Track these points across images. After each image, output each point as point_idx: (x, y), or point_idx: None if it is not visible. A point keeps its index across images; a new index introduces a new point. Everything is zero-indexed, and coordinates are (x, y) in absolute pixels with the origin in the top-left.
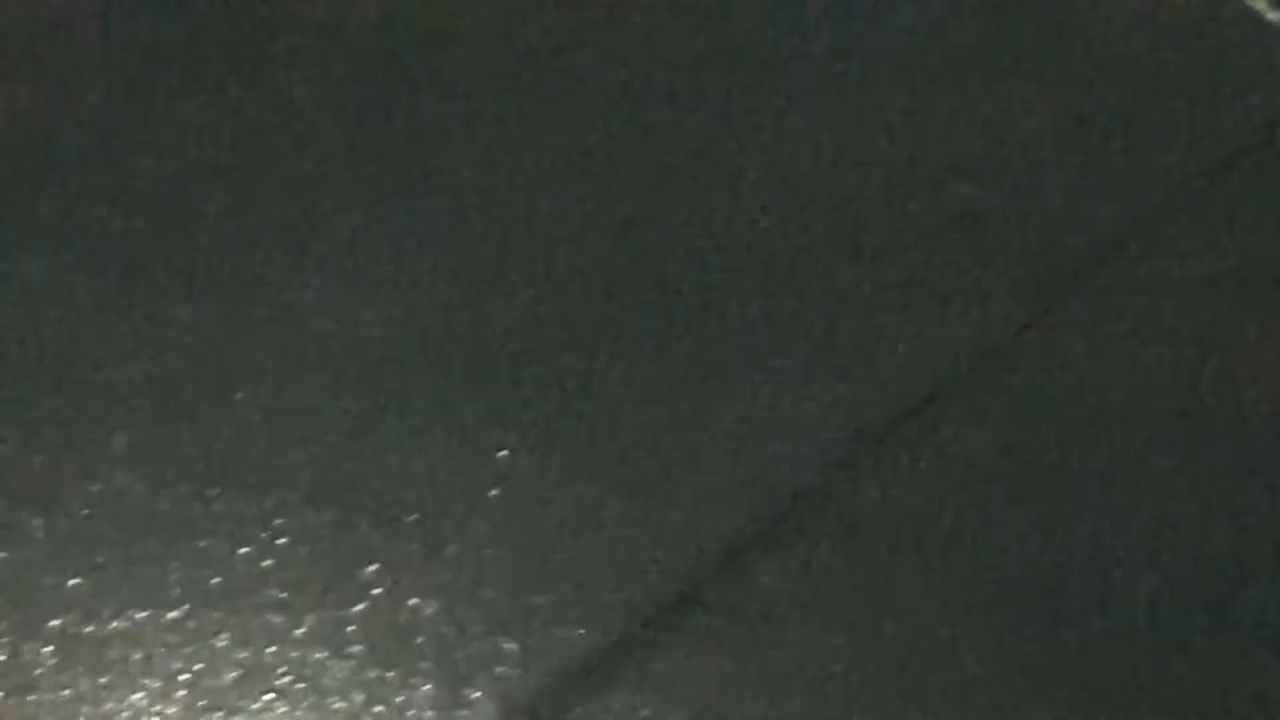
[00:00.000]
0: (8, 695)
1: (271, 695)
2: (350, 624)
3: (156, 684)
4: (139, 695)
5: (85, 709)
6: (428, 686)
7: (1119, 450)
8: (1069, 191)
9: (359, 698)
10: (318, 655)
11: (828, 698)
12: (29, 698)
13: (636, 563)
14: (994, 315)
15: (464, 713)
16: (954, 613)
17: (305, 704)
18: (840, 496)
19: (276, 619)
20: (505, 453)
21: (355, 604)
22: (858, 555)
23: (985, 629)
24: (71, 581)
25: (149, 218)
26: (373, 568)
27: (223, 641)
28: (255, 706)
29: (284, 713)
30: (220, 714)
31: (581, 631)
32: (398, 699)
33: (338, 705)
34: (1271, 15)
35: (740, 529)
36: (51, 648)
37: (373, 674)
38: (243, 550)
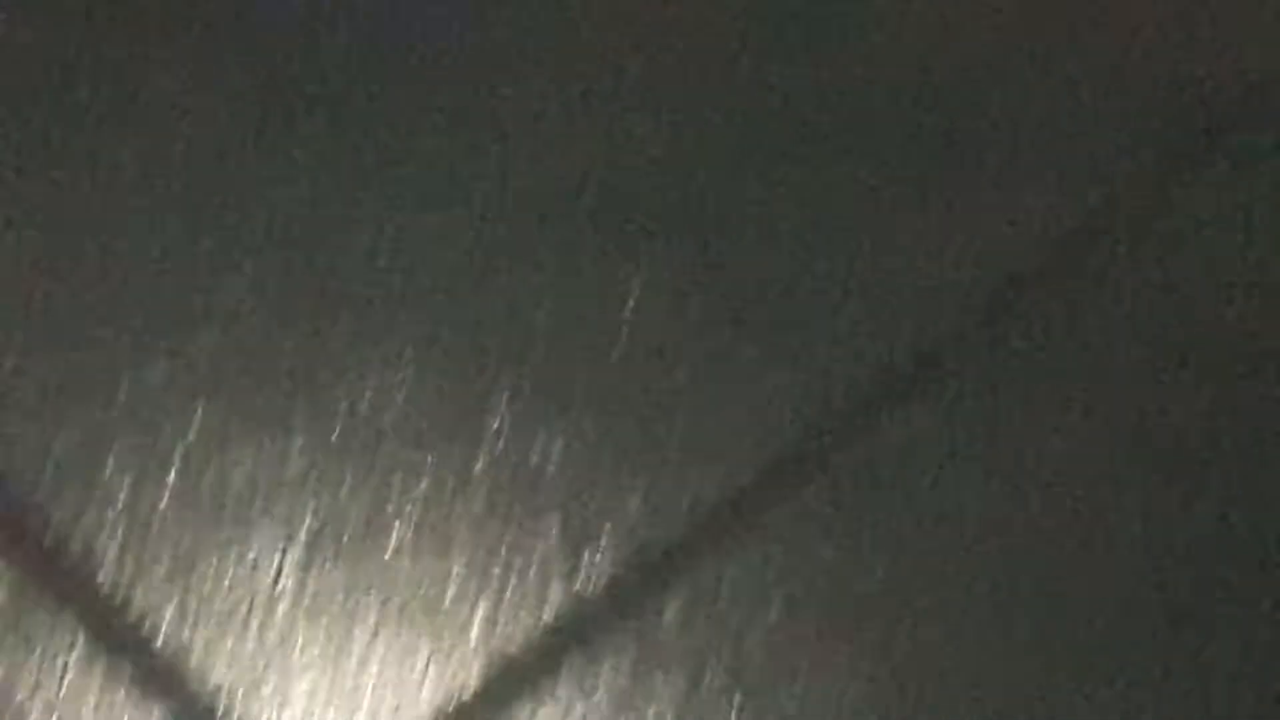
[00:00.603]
0: (125, 541)
1: (394, 546)
2: (473, 474)
3: (276, 536)
4: (257, 548)
5: (202, 560)
6: (553, 536)
7: None
8: None
9: (482, 548)
10: (440, 507)
11: (957, 554)
12: (146, 545)
13: (766, 414)
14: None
15: (589, 564)
16: (1104, 478)
17: (428, 554)
18: (979, 348)
19: (398, 470)
20: (634, 300)
21: (479, 454)
22: (995, 410)
23: (1139, 493)
24: (191, 431)
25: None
26: (497, 418)
27: (343, 493)
28: (377, 555)
29: (407, 564)
30: (343, 564)
31: (709, 484)
32: (522, 549)
33: (460, 556)
34: None
35: (874, 380)
36: (169, 496)
37: (496, 524)
38: (364, 400)
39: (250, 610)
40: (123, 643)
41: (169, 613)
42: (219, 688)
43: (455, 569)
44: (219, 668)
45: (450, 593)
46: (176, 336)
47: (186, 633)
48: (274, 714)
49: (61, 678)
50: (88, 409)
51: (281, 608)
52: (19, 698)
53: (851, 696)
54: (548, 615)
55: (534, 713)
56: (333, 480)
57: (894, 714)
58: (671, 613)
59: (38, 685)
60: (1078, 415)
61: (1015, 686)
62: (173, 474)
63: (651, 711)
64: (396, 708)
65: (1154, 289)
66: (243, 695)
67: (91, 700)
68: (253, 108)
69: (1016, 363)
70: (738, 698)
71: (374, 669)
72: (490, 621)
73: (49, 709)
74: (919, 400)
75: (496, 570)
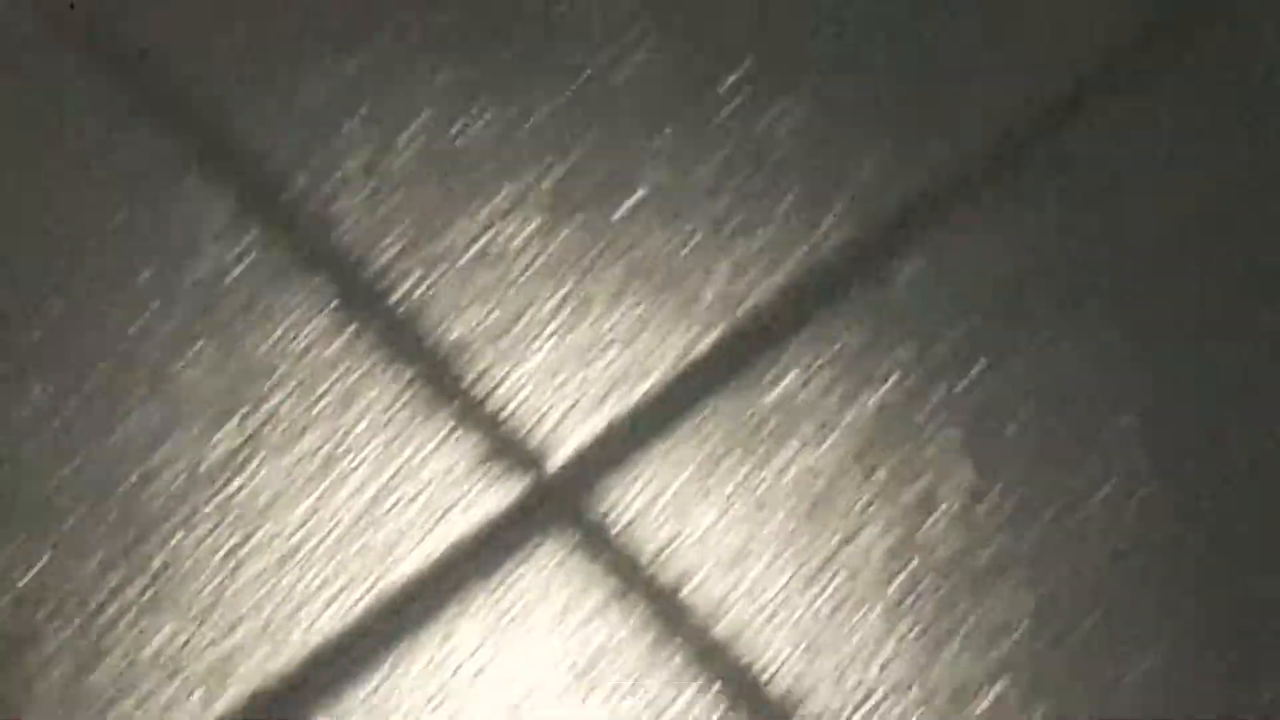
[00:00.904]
0: (367, 201)
1: (631, 207)
2: (710, 138)
3: (516, 195)
4: (497, 207)
5: (442, 220)
6: (789, 200)
7: None
8: None
9: (719, 211)
10: (678, 169)
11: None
12: (388, 205)
13: (998, 87)
14: None
15: (825, 227)
16: None
17: (666, 217)
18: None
19: (636, 132)
20: None
21: (715, 117)
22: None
23: None
24: (437, 77)
25: None
26: (732, 76)
27: (581, 154)
28: (614, 217)
29: (644, 227)
30: (582, 225)
31: (943, 151)
32: (759, 212)
33: (697, 218)
34: None
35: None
36: (410, 156)
37: (730, 186)
38: (598, 60)
39: (489, 269)
40: (364, 301)
41: (410, 271)
42: (459, 344)
43: (692, 231)
44: (458, 325)
45: (687, 255)
46: (415, 2)
47: (427, 290)
48: (511, 368)
49: (306, 340)
50: (328, 69)
51: (520, 266)
52: (263, 358)
53: (1079, 359)
54: (783, 278)
55: (772, 372)
56: (571, 141)
57: (1129, 370)
58: (907, 277)
59: (281, 346)
60: None
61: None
62: (414, 134)
63: (884, 374)
64: (633, 365)
65: None
66: (481, 350)
67: (333, 358)
68: None
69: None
70: (971, 364)
71: (611, 328)
72: (727, 283)
73: (292, 369)
74: (1151, 80)
75: (733, 233)
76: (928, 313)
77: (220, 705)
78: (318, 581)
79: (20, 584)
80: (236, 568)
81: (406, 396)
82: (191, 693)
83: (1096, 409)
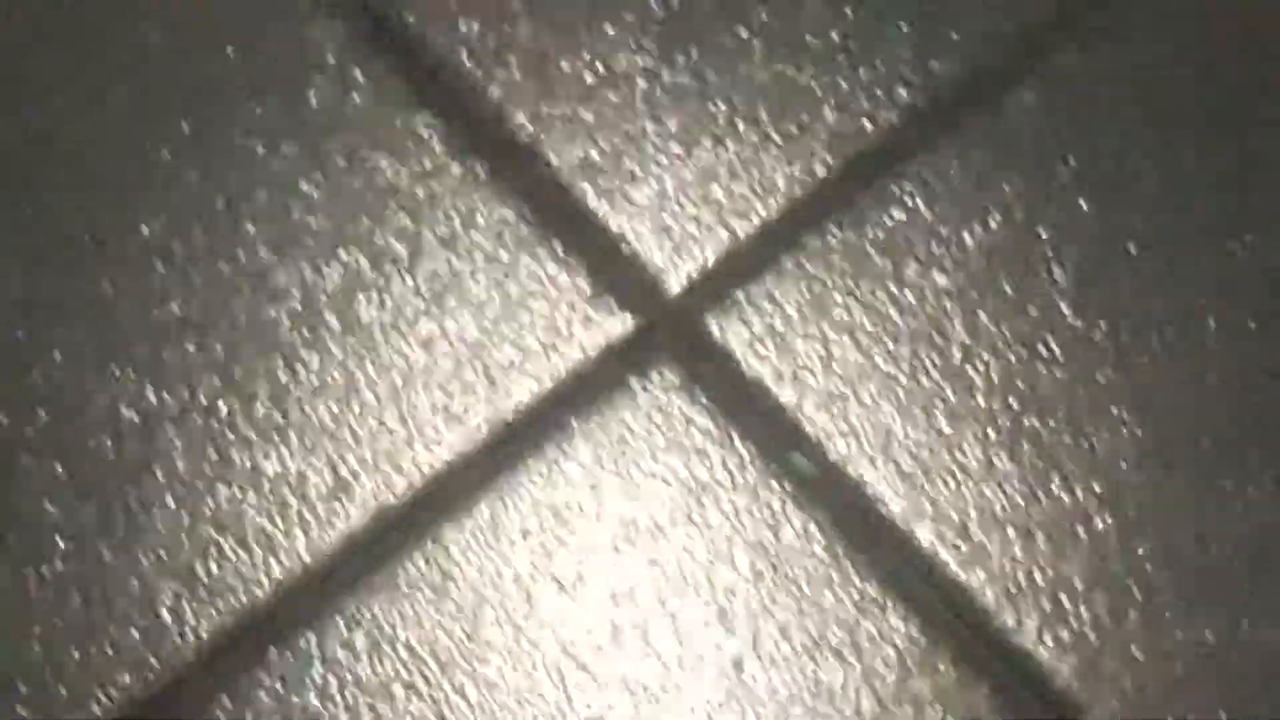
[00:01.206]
0: (483, 31)
1: (744, 34)
2: None
3: (628, 19)
4: (603, 37)
5: (556, 48)
6: (899, 31)
7: None
8: None
9: (829, 40)
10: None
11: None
12: (503, 35)
13: None
14: None
15: (935, 57)
16: None
17: (778, 44)
18: None
19: None
20: None
21: None
22: None
23: None
24: None
25: None
26: None
27: None
28: (727, 47)
29: (756, 52)
30: (693, 62)
31: None
32: (868, 42)
33: (807, 50)
34: None
35: None
36: None
37: (843, 17)
38: None
39: (602, 100)
40: (478, 131)
41: (523, 102)
42: (570, 175)
43: (805, 63)
44: (571, 156)
45: (800, 86)
46: None
47: (540, 122)
48: (623, 201)
49: (421, 170)
50: None
51: (633, 97)
52: (380, 187)
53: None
54: (895, 111)
55: (882, 205)
56: None
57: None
58: (1026, 104)
59: (397, 176)
60: None
61: None
62: None
63: (994, 208)
64: (744, 198)
65: None
66: (593, 182)
67: (449, 188)
68: None
69: None
70: (1087, 197)
71: (723, 159)
72: (839, 116)
73: (408, 199)
74: None
75: (846, 65)
76: (1040, 144)
77: (333, 532)
78: (431, 410)
79: (136, 410)
80: (352, 395)
81: (519, 228)
82: (304, 519)
83: (1209, 236)
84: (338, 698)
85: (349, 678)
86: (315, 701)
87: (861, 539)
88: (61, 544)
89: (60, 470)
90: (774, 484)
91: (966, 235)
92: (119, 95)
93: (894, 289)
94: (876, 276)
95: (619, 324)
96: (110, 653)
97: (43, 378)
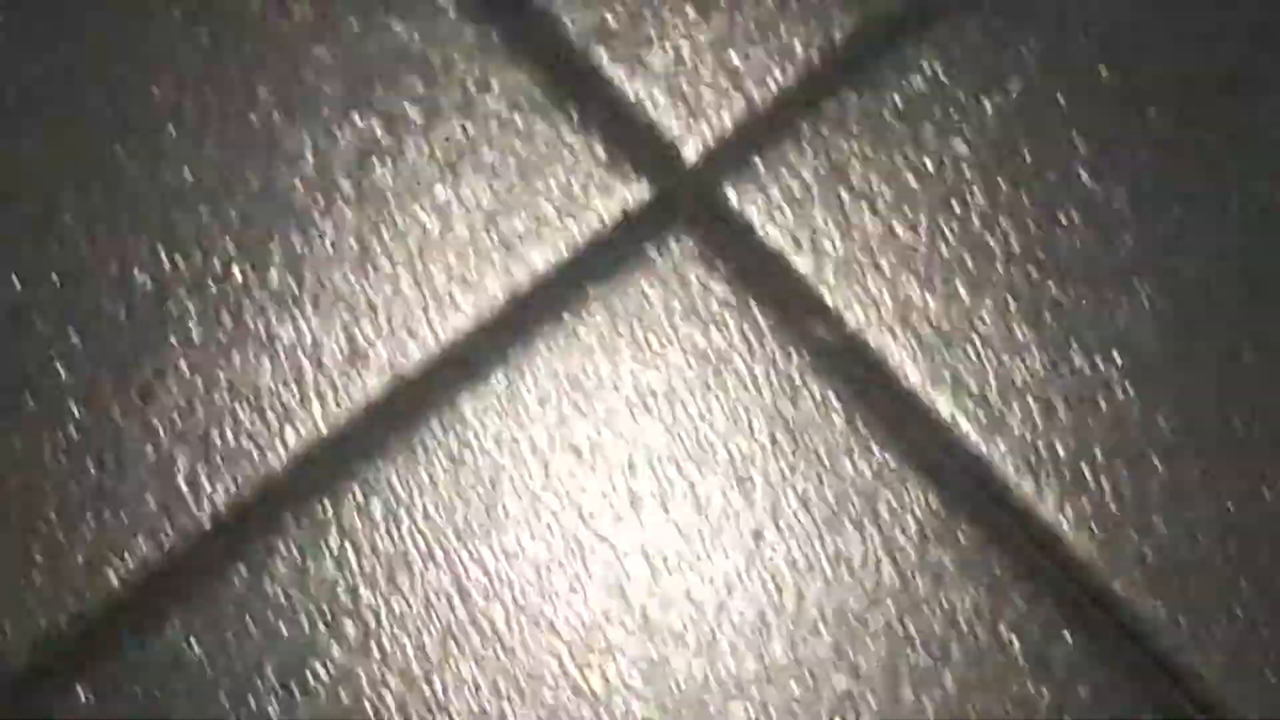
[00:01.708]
0: None
1: None
2: None
3: None
4: None
5: None
6: None
7: None
8: None
9: None
10: None
11: None
12: None
13: None
14: None
15: None
16: None
17: None
18: None
19: None
20: None
21: None
22: None
23: None
24: None
25: None
26: None
27: None
28: None
29: None
30: None
31: None
32: None
33: None
34: None
35: None
36: None
37: None
38: None
39: None
40: None
41: None
42: (586, 40)
43: None
44: (586, 21)
45: None
46: None
47: None
48: (639, 66)
49: (435, 35)
50: None
51: None
52: (392, 51)
53: (1211, 65)
54: None
55: (901, 70)
56: None
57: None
58: None
59: (410, 40)
60: None
61: None
62: None
63: (1012, 72)
64: (761, 63)
65: None
66: (609, 47)
67: (464, 52)
68: None
69: None
70: (1106, 63)
71: (739, 23)
72: None
73: (422, 63)
74: None
75: None
76: (1060, 9)
77: (349, 400)
78: (447, 277)
79: (150, 276)
80: (367, 261)
81: (534, 94)
82: (320, 387)
83: (1230, 99)
84: (354, 566)
85: (365, 546)
86: (332, 570)
87: (881, 409)
88: (76, 411)
89: (74, 336)
90: (792, 353)
91: (985, 102)
92: None
93: (912, 156)
94: (895, 144)
95: (635, 191)
96: (125, 521)
97: (55, 242)
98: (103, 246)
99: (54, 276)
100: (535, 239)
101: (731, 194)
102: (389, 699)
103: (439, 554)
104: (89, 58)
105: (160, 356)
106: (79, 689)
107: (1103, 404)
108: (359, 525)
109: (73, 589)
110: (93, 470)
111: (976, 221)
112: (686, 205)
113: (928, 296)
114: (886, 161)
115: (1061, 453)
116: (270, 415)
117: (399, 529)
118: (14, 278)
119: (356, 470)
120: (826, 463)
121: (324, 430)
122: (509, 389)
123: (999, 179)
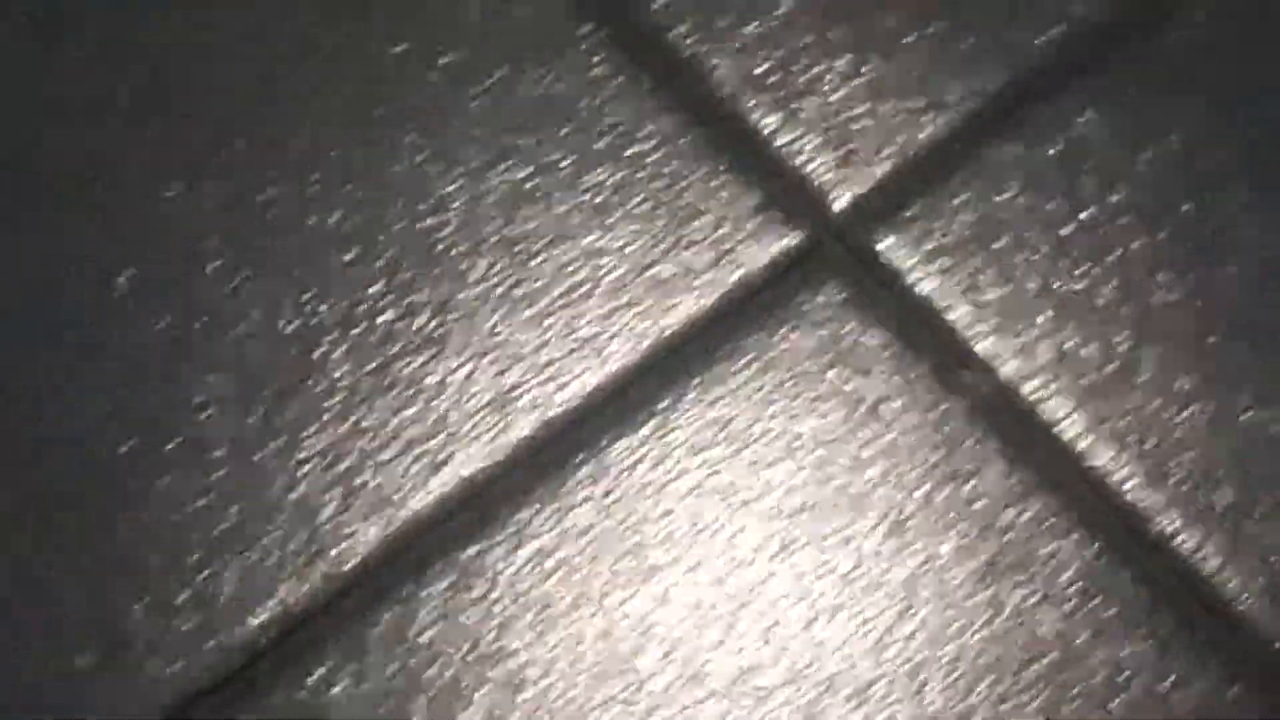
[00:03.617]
0: None
1: None
2: None
3: None
4: None
5: None
6: None
7: None
8: None
9: None
10: None
11: None
12: None
13: None
14: None
15: None
16: None
17: None
18: None
19: None
20: None
21: None
22: None
23: None
24: None
25: None
26: None
27: None
28: None
29: None
30: None
31: None
32: None
33: None
34: None
35: None
36: None
37: None
38: None
39: (766, 11)
40: (639, 46)
41: (684, 15)
42: (737, 86)
43: None
44: (735, 67)
45: (972, 3)
46: None
47: (703, 35)
48: (793, 112)
49: (581, 83)
50: None
51: (799, 6)
52: (540, 100)
53: None
54: (1072, 32)
55: (1059, 116)
56: None
57: None
58: (1196, 21)
59: (556, 88)
60: None
61: None
62: None
63: (1178, 122)
64: (916, 110)
65: None
66: (761, 93)
67: (609, 99)
68: None
69: None
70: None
71: (895, 70)
72: (1013, 33)
73: (569, 112)
74: None
75: None
76: (1218, 64)
77: (495, 444)
78: (595, 322)
79: (294, 324)
80: (516, 306)
81: (686, 140)
82: (466, 430)
83: None
84: (501, 611)
85: (512, 592)
86: (478, 616)
87: (1038, 459)
88: (221, 454)
89: (219, 380)
90: (946, 403)
91: (1144, 152)
92: (269, 2)
93: (1070, 206)
94: (1052, 193)
95: (786, 239)
96: (269, 565)
97: (201, 287)
98: (248, 291)
99: (199, 321)
100: (685, 286)
101: (884, 243)
102: None
103: (586, 600)
104: (232, 110)
105: (306, 400)
106: None
107: (1268, 456)
108: (505, 571)
109: (216, 633)
110: (236, 514)
111: (1136, 271)
112: (838, 254)
113: (1086, 347)
114: (1043, 211)
115: (1224, 506)
116: (416, 460)
117: (546, 575)
118: (162, 322)
119: (503, 516)
120: (983, 513)
121: (470, 475)
122: (658, 436)
123: (1159, 229)
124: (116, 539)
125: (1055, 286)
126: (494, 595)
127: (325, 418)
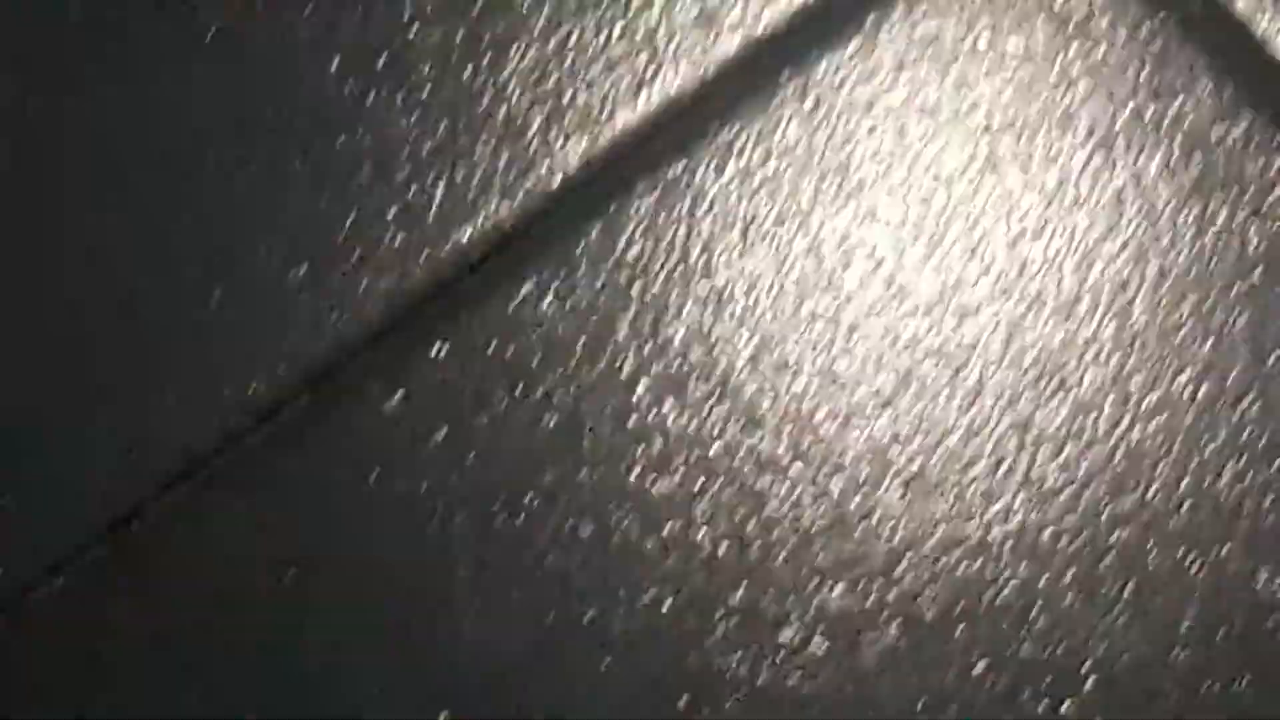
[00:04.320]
0: None
1: None
2: None
3: None
4: None
5: None
6: None
7: None
8: None
9: None
10: None
11: None
12: None
13: None
14: None
15: None
16: None
17: None
18: None
19: None
20: None
21: None
22: None
23: None
24: None
25: None
26: None
27: None
28: None
29: None
30: None
31: None
32: None
33: None
34: None
35: None
36: None
37: None
38: None
39: None
40: None
41: None
42: None
43: None
44: None
45: None
46: None
47: None
48: None
49: None
50: None
51: None
52: None
53: None
54: None
55: None
56: None
57: None
58: None
59: None
60: None
61: None
62: None
63: None
64: None
65: None
66: None
67: None
68: None
69: None
70: None
71: None
72: None
73: None
74: None
75: None
76: None
77: (703, 60)
78: None
79: None
80: None
81: None
82: (672, 47)
83: None
84: (707, 227)
85: (718, 208)
86: (684, 231)
87: (1249, 77)
88: (427, 71)
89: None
90: (1157, 20)
91: None
92: None
93: None
94: None
95: None
96: (477, 180)
97: None
98: None
99: None
100: None
101: None
102: (740, 358)
103: (791, 217)
104: None
105: (510, 16)
106: (435, 343)
107: None
108: (711, 188)
109: (424, 248)
110: (444, 129)
111: None
112: None
113: None
114: None
115: None
116: (622, 77)
117: (751, 191)
118: None
119: (709, 133)
120: (1191, 130)
121: (676, 92)
122: (865, 53)
123: None
124: (330, 155)
125: None
126: (699, 212)
127: (531, 35)
